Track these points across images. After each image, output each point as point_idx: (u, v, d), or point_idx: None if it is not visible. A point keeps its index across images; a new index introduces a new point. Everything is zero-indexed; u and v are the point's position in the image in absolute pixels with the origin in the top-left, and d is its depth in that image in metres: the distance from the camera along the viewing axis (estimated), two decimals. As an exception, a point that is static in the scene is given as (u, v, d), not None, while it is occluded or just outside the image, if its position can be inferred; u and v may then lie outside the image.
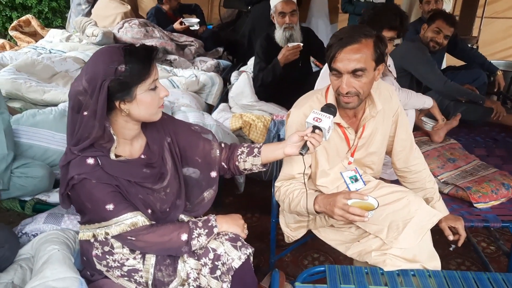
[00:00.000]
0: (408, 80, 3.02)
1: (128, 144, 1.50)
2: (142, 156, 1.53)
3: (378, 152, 1.87)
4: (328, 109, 1.56)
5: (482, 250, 2.47)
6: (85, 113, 1.34)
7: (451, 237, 1.76)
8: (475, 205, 2.13)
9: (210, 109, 3.41)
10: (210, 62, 4.10)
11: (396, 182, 2.29)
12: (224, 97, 3.45)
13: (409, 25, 3.83)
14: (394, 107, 1.85)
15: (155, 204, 1.53)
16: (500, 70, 3.68)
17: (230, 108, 3.16)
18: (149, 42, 3.96)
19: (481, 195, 2.15)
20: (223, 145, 1.73)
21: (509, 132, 3.00)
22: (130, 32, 4.07)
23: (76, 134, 1.37)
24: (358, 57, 1.56)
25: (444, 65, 4.04)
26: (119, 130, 1.44)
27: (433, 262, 1.67)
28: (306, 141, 1.52)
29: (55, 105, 2.74)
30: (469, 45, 4.27)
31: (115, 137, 1.42)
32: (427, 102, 2.48)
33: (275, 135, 2.79)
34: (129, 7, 4.52)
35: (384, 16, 2.20)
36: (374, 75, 1.64)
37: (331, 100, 1.72)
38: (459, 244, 1.77)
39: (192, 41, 4.40)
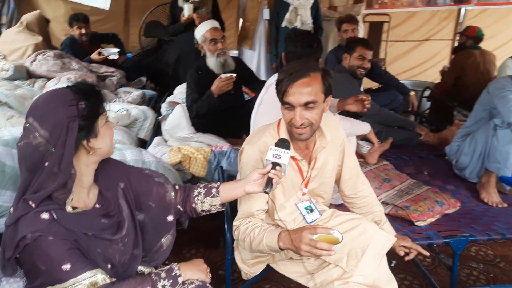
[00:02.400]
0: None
1: (83, 193, 1.39)
2: (97, 206, 1.42)
3: (329, 181, 1.93)
4: (282, 144, 1.58)
5: (420, 262, 2.62)
6: (47, 163, 1.24)
7: (407, 257, 1.87)
8: (415, 223, 2.27)
9: (141, 144, 3.28)
10: (135, 93, 3.96)
11: (341, 206, 2.38)
12: (155, 130, 3.35)
13: (328, 54, 4.09)
14: (341, 137, 1.93)
15: (114, 256, 1.42)
16: (412, 91, 4.01)
17: (166, 141, 3.06)
18: (67, 75, 3.73)
19: (419, 213, 2.30)
20: (177, 187, 1.66)
21: (431, 150, 3.28)
22: (45, 65, 3.79)
23: (33, 187, 1.25)
24: (309, 90, 1.63)
25: (361, 88, 4.31)
26: (77, 178, 1.34)
27: (392, 285, 1.75)
28: (268, 178, 1.52)
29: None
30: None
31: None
32: (365, 128, 2.62)
33: (216, 167, 2.76)
34: (40, 38, 4.20)
35: None
36: (324, 106, 1.72)
37: (284, 133, 1.76)
38: (411, 257, 1.90)
39: (113, 72, 4.21)
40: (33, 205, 1.25)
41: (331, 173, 1.92)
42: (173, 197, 1.61)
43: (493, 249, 2.81)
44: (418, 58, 6.21)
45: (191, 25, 4.07)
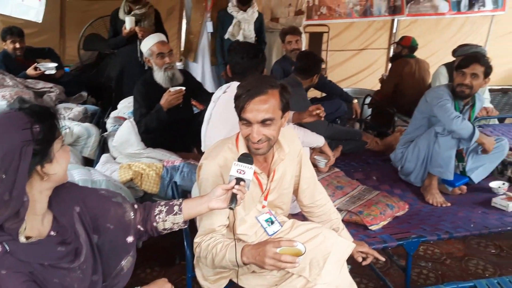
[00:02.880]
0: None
1: (37, 220, 1.30)
2: (52, 233, 1.34)
3: (287, 192, 1.95)
4: (246, 159, 1.57)
5: (374, 265, 2.70)
6: None
7: (364, 262, 1.92)
8: (369, 227, 2.35)
9: (86, 162, 3.14)
10: (76, 108, 3.79)
11: (297, 215, 2.41)
12: (101, 147, 3.22)
13: (274, 65, 4.15)
14: (298, 148, 1.96)
15: (73, 285, 1.34)
16: (355, 99, 4.17)
17: (114, 158, 2.95)
18: (1, 92, 3.50)
19: (372, 217, 2.38)
20: (136, 206, 1.60)
21: (377, 155, 3.42)
22: (-24, 82, 3.55)
23: None
24: (266, 107, 1.63)
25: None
26: (31, 206, 1.25)
27: (353, 290, 1.79)
28: (233, 194, 1.51)
29: None
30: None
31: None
32: (319, 140, 2.67)
33: (169, 182, 2.69)
34: (-32, 53, 3.94)
35: None
36: (282, 122, 1.74)
37: (243, 147, 1.75)
38: (368, 262, 1.96)
39: (51, 87, 4.02)
40: None
41: (289, 184, 1.94)
42: (132, 217, 1.55)
43: (439, 247, 2.96)
44: (356, 66, 6.46)
45: (133, 37, 3.98)
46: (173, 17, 5.76)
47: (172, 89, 2.92)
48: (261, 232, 1.85)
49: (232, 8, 4.15)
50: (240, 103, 1.65)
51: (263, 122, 1.64)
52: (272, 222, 1.88)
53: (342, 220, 2.42)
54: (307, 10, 5.51)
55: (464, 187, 2.89)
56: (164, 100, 2.91)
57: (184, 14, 5.05)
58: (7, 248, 1.18)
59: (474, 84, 2.74)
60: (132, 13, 3.98)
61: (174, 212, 1.58)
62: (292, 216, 2.44)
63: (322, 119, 2.58)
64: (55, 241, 1.32)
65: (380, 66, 6.57)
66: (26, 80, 3.95)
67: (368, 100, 4.69)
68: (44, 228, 1.33)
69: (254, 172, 1.77)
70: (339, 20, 5.90)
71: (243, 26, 4.15)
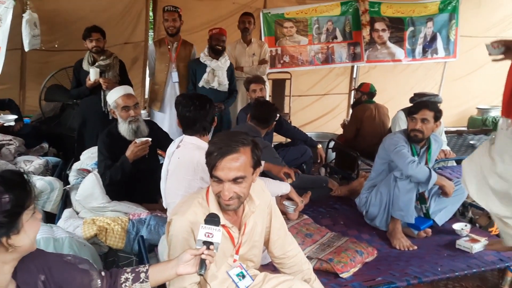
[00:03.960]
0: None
1: None
2: None
3: (259, 244, 1.94)
4: (212, 220, 1.55)
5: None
6: None
7: None
8: (340, 275, 2.35)
9: (48, 217, 3.02)
10: (37, 161, 3.68)
11: (267, 265, 2.38)
12: (63, 201, 3.11)
13: (239, 112, 4.21)
14: (267, 199, 1.96)
15: None
16: (319, 144, 4.25)
17: (77, 213, 2.85)
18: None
19: (343, 265, 2.38)
20: (103, 273, 1.55)
21: (343, 200, 3.47)
22: None
23: None
24: (238, 165, 1.64)
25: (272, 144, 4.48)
26: None
27: None
28: (202, 259, 1.48)
29: None
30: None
31: None
32: (284, 188, 2.69)
33: (135, 236, 2.62)
34: None
35: None
36: (253, 178, 1.75)
37: (213, 202, 1.74)
38: None
39: (10, 140, 3.91)
40: None
41: (260, 236, 1.93)
42: (99, 285, 1.50)
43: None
44: (319, 111, 6.64)
45: (96, 88, 3.97)
46: (137, 66, 5.79)
47: (138, 140, 2.89)
48: (232, 287, 1.81)
49: (205, 58, 4.25)
50: (211, 160, 1.65)
51: (235, 180, 1.64)
52: (244, 276, 1.84)
53: (313, 269, 2.41)
54: (270, 59, 5.69)
55: (429, 230, 2.97)
56: (130, 152, 2.87)
57: (147, 64, 5.08)
58: None
59: (425, 128, 2.91)
60: (97, 64, 3.98)
61: (141, 280, 1.53)
62: (262, 266, 2.42)
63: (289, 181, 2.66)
64: None
65: (342, 110, 6.77)
66: (-16, 133, 3.83)
67: (331, 144, 4.79)
68: None
69: (225, 226, 1.76)
70: (302, 68, 6.10)
71: (217, 74, 4.24)
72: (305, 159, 4.00)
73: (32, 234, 1.28)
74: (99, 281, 1.49)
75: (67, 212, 2.84)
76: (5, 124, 3.98)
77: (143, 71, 5.91)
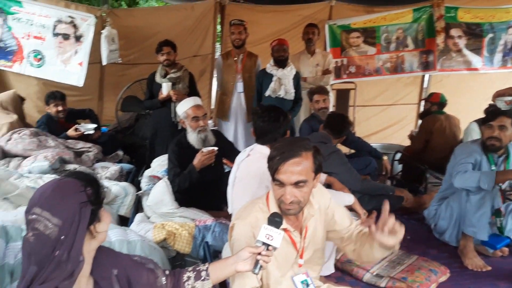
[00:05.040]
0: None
1: (82, 283, 1.36)
2: None
3: (321, 247, 1.93)
4: (274, 221, 1.57)
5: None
6: (57, 252, 1.24)
7: None
8: (417, 295, 2.24)
9: (121, 220, 3.21)
10: (113, 167, 3.93)
11: (329, 276, 2.36)
12: (135, 205, 3.30)
13: (302, 123, 4.23)
14: (327, 202, 1.94)
15: None
16: (385, 155, 4.16)
17: (148, 217, 3.01)
18: (43, 152, 3.69)
19: (418, 284, 2.28)
20: (167, 272, 1.63)
21: (410, 214, 3.35)
22: (21, 144, 3.74)
23: (39, 279, 1.23)
24: (300, 169, 1.66)
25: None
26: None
27: None
28: (257, 259, 1.51)
29: None
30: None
31: None
32: (347, 199, 2.67)
33: (201, 242, 2.71)
34: (15, 116, 4.18)
35: None
36: (314, 183, 1.76)
37: (274, 207, 1.77)
38: None
39: (90, 147, 4.19)
40: None
41: (322, 239, 1.92)
42: (164, 282, 1.58)
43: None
44: (384, 121, 6.47)
45: (167, 100, 4.18)
46: (204, 78, 6.01)
47: (204, 149, 3.01)
48: (295, 297, 1.82)
49: (271, 68, 4.35)
50: (274, 164, 1.69)
51: (296, 184, 1.67)
52: (308, 285, 1.84)
53: (385, 287, 2.36)
54: (336, 69, 5.65)
55: (506, 249, 2.79)
56: (197, 160, 2.99)
57: (215, 75, 5.27)
58: None
59: (503, 136, 2.74)
60: (168, 76, 4.20)
61: (202, 278, 1.59)
62: (325, 278, 2.41)
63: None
64: None
65: (410, 121, 6.54)
66: (67, 140, 4.14)
67: (398, 156, 4.66)
68: None
69: (287, 230, 1.78)
70: (369, 78, 5.97)
71: (283, 82, 4.31)
72: (369, 170, 3.92)
73: (108, 222, 1.42)
74: (163, 279, 1.57)
75: (139, 216, 3.00)
76: (85, 133, 4.28)
77: (210, 83, 6.13)
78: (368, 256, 1.82)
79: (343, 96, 5.89)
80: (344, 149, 4.70)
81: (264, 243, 1.52)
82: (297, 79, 4.45)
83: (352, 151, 4.50)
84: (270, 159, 1.72)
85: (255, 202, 1.86)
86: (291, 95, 4.36)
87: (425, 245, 2.87)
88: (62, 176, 1.40)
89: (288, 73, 4.33)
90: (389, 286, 2.35)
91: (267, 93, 4.32)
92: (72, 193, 1.30)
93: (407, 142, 5.10)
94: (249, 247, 1.56)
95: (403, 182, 4.37)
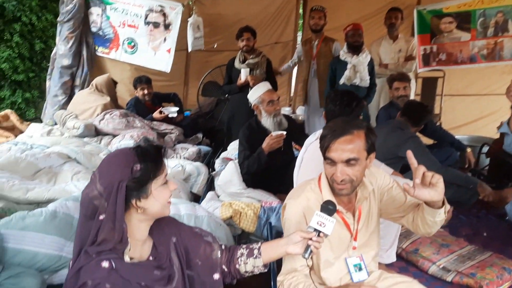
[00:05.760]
0: (398, 167, 3.13)
1: (138, 245, 1.49)
2: (151, 258, 1.51)
3: (376, 230, 1.89)
4: (328, 208, 1.57)
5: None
6: (101, 217, 1.36)
7: None
8: (485, 293, 2.11)
9: (194, 197, 3.41)
10: (192, 149, 4.16)
11: (391, 265, 2.31)
12: (208, 184, 3.47)
13: (380, 110, 4.11)
14: (380, 183, 1.86)
15: None
16: (469, 147, 3.90)
17: (218, 196, 3.16)
18: (130, 132, 4.02)
19: (488, 281, 2.16)
20: (223, 246, 1.71)
21: (490, 209, 3.12)
22: (112, 123, 4.12)
23: (96, 239, 1.36)
24: (351, 147, 1.65)
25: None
26: (132, 232, 1.45)
27: None
28: (308, 244, 1.53)
29: (39, 203, 2.68)
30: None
31: (128, 239, 1.42)
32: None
33: (265, 222, 2.79)
34: (108, 98, 4.60)
35: None
36: (366, 163, 1.72)
37: (325, 188, 1.77)
38: None
39: (172, 129, 4.49)
40: (94, 255, 1.36)
41: (377, 222, 1.88)
42: (219, 256, 1.66)
43: None
44: (475, 112, 6.01)
45: (244, 86, 4.30)
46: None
47: (273, 133, 3.07)
48: (346, 280, 1.81)
49: (345, 55, 4.26)
50: (325, 142, 1.69)
51: (348, 162, 1.65)
52: (360, 269, 1.82)
53: (451, 282, 2.26)
54: (424, 57, 5.36)
55: None
56: (265, 144, 3.07)
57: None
58: (114, 265, 1.36)
59: None
60: (246, 62, 4.32)
61: (254, 256, 1.65)
62: (387, 266, 2.36)
63: None
64: (153, 265, 1.49)
65: (505, 114, 6.00)
66: (152, 122, 4.47)
67: (485, 149, 4.33)
68: (145, 252, 1.51)
69: (339, 212, 1.77)
70: (462, 66, 5.55)
71: (358, 69, 4.22)
72: (449, 162, 3.71)
73: (161, 200, 1.46)
74: (219, 253, 1.66)
75: (209, 194, 3.16)
76: (169, 115, 4.57)
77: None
78: (422, 221, 1.70)
79: (430, 84, 5.58)
80: (425, 140, 4.48)
81: (315, 229, 1.53)
82: (372, 65, 4.32)
83: (431, 141, 4.27)
84: (322, 138, 1.72)
85: (308, 183, 1.87)
86: (366, 82, 4.24)
87: (503, 242, 2.66)
88: (138, 142, 1.49)
89: (363, 59, 4.22)
90: (456, 281, 2.24)
91: (342, 80, 4.25)
92: (118, 166, 1.38)
93: (498, 136, 4.71)
94: (300, 231, 1.57)
95: (490, 177, 4.06)
